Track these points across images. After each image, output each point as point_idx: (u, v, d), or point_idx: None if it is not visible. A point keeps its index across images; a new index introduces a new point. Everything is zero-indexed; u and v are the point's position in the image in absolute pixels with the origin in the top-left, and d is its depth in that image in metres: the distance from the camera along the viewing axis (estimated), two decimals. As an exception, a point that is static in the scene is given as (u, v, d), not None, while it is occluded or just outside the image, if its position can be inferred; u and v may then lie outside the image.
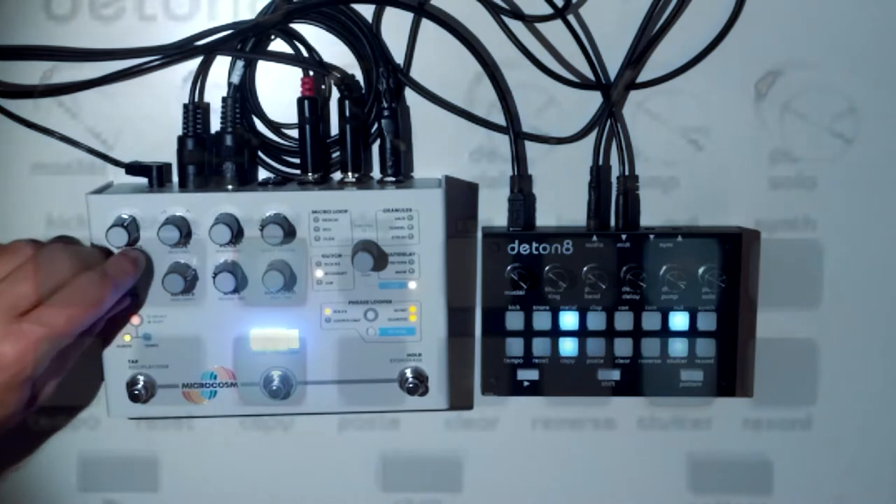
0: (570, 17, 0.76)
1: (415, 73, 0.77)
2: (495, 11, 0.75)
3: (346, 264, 0.74)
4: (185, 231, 0.73)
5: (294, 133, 0.77)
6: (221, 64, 0.76)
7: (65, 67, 0.76)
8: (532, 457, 0.83)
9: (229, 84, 0.75)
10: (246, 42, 0.75)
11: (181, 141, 0.75)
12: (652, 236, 0.76)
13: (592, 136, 0.77)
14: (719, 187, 0.79)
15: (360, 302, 0.75)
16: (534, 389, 0.79)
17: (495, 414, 0.82)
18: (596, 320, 0.77)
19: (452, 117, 0.77)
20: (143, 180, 0.76)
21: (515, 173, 0.77)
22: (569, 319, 0.77)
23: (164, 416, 0.80)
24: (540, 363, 0.78)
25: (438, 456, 0.83)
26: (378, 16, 0.76)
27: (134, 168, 0.76)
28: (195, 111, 0.75)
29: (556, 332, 0.78)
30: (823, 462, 0.83)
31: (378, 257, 0.73)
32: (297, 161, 0.77)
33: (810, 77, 0.77)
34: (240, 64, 0.75)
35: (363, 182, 0.77)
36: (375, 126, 0.76)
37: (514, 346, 0.78)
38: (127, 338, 0.75)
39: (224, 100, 0.75)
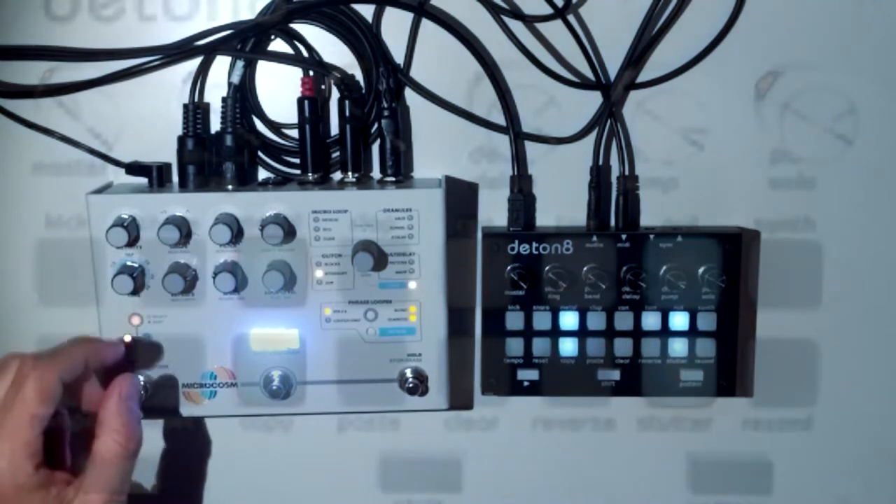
0: (570, 17, 0.76)
1: (415, 73, 0.77)
2: (495, 11, 0.75)
3: (346, 264, 0.74)
4: (185, 231, 0.73)
5: (294, 133, 0.77)
6: (221, 64, 0.76)
7: (65, 67, 0.76)
8: (532, 457, 0.83)
9: (229, 84, 0.75)
10: (246, 42, 0.75)
11: (181, 141, 0.75)
12: (652, 236, 0.76)
13: (592, 136, 0.77)
14: (719, 187, 0.79)
15: (360, 302, 0.75)
16: (534, 389, 0.79)
17: (495, 414, 0.82)
18: (596, 320, 0.77)
19: (452, 117, 0.77)
20: (143, 180, 0.76)
21: (515, 173, 0.77)
22: (569, 319, 0.77)
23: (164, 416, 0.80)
24: (540, 363, 0.78)
25: (438, 456, 0.83)
26: (378, 16, 0.76)
27: (134, 168, 0.76)
28: (195, 111, 0.75)
29: (556, 332, 0.78)
30: (823, 462, 0.83)
31: (378, 257, 0.73)
32: (297, 161, 0.77)
33: (810, 77, 0.77)
34: (240, 64, 0.75)
35: (363, 182, 0.77)
36: (375, 126, 0.76)
37: (514, 346, 0.78)
38: (127, 338, 0.75)
39: (224, 100, 0.75)
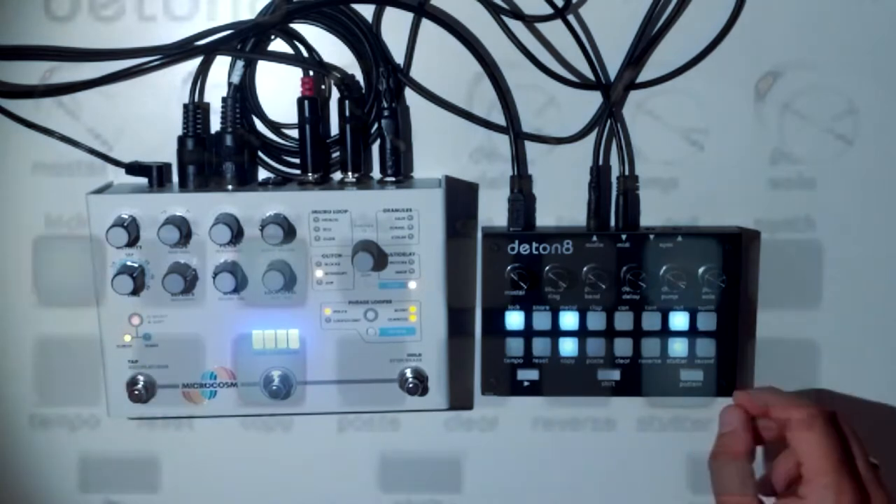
0: (570, 17, 0.76)
1: (415, 73, 0.77)
2: (495, 11, 0.75)
3: (346, 264, 0.74)
4: (185, 231, 0.73)
5: (294, 133, 0.77)
6: (221, 64, 0.76)
7: (65, 67, 0.76)
8: (532, 457, 0.83)
9: (229, 84, 0.75)
10: (246, 42, 0.75)
11: (181, 141, 0.75)
12: (652, 236, 0.76)
13: (592, 136, 0.77)
14: (719, 187, 0.79)
15: (360, 302, 0.75)
16: (534, 389, 0.79)
17: (495, 414, 0.82)
18: (596, 320, 0.77)
19: (452, 117, 0.77)
20: (143, 180, 0.76)
21: (515, 173, 0.77)
22: (569, 319, 0.77)
23: (164, 417, 0.80)
24: (540, 363, 0.78)
25: (438, 456, 0.83)
26: (378, 16, 0.76)
27: (134, 168, 0.76)
28: (195, 111, 0.75)
29: (556, 332, 0.78)
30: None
31: (378, 257, 0.73)
32: (297, 161, 0.77)
33: (810, 77, 0.77)
34: (240, 64, 0.75)
35: (363, 182, 0.77)
36: (375, 126, 0.76)
37: (514, 346, 0.78)
38: (127, 338, 0.75)
39: (224, 100, 0.75)
